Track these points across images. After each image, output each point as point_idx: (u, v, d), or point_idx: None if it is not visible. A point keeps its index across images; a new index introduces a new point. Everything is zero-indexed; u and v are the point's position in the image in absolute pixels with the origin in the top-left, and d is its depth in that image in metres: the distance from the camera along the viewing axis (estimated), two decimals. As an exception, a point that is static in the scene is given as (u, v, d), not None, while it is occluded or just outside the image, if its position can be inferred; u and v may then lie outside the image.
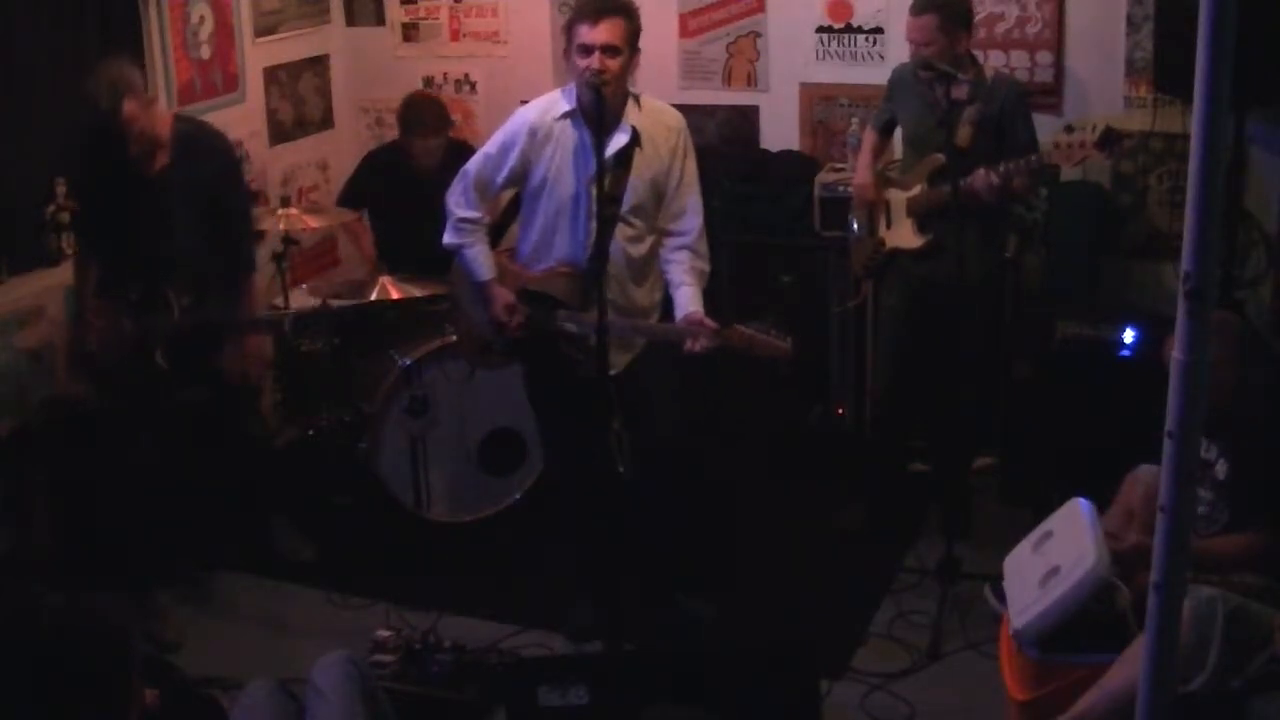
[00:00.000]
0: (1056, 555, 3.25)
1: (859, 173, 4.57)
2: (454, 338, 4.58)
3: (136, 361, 4.13)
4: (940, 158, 4.16)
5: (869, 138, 4.60)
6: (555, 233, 3.78)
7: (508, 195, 4.07)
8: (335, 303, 4.59)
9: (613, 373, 3.75)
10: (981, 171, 4.05)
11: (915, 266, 4.39)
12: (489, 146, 3.85)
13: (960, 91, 4.15)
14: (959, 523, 4.27)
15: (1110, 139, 3.99)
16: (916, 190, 4.33)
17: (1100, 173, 4.91)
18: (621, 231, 3.74)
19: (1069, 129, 4.04)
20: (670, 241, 3.84)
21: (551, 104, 3.75)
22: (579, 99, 3.68)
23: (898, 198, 4.41)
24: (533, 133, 3.72)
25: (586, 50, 3.55)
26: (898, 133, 4.55)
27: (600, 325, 3.39)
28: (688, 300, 3.75)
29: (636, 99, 3.72)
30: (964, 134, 4.16)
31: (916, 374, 4.48)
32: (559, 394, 3.92)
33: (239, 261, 4.32)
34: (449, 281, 4.21)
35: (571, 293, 3.77)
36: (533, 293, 3.84)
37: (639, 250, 3.80)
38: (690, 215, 3.84)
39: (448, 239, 3.91)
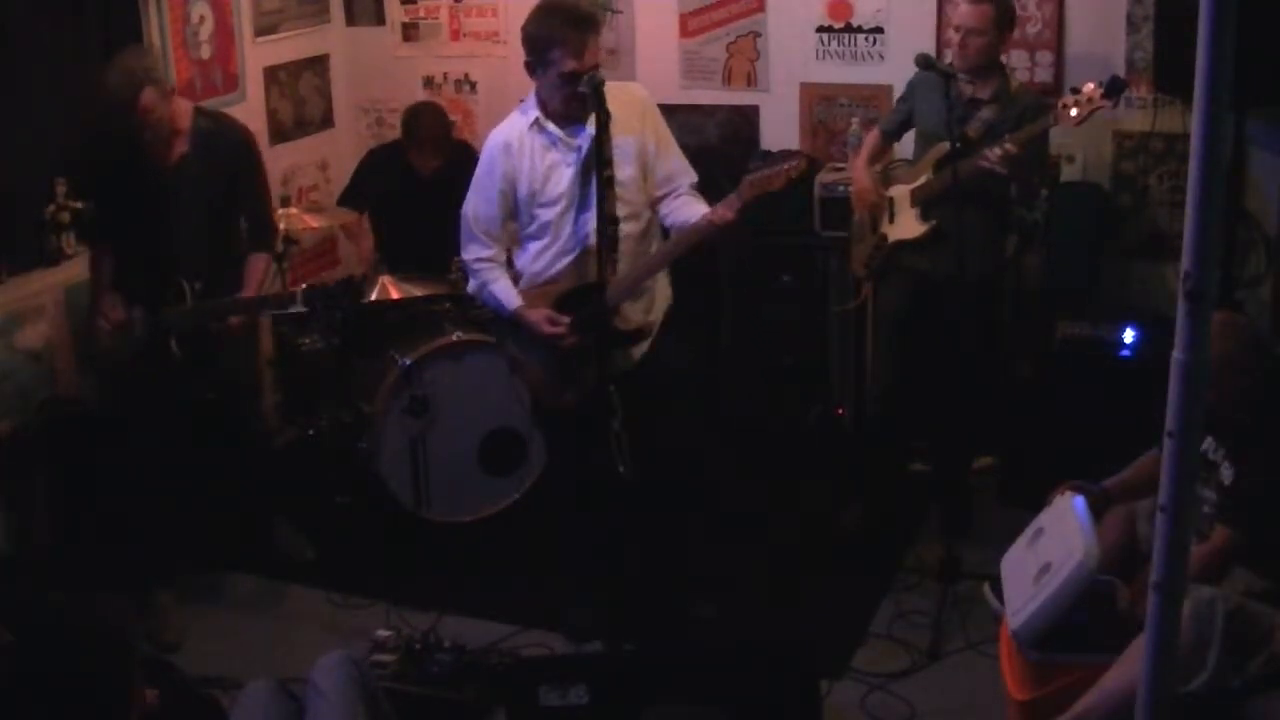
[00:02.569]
0: (1048, 552, 3.23)
1: (857, 175, 4.56)
2: (454, 338, 4.59)
3: (151, 351, 4.14)
4: (945, 145, 4.15)
5: (871, 138, 4.59)
6: (559, 234, 3.76)
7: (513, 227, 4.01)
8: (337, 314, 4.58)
9: (636, 328, 3.78)
10: (993, 147, 4.02)
11: (916, 261, 4.38)
12: (475, 182, 3.83)
13: (984, 91, 4.19)
14: (959, 522, 4.27)
15: (1117, 86, 3.97)
16: (923, 179, 4.32)
17: (1100, 173, 4.91)
18: (619, 210, 3.73)
19: (1074, 90, 4.04)
20: (669, 198, 3.85)
21: (515, 122, 3.76)
22: (546, 104, 3.68)
23: (901, 191, 4.40)
24: (507, 148, 3.72)
25: (574, 78, 3.56)
26: (906, 137, 4.55)
27: (600, 291, 3.41)
28: (703, 208, 3.73)
29: None
30: (975, 128, 4.17)
31: (917, 375, 4.48)
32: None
33: (257, 242, 4.28)
34: (497, 345, 4.18)
35: (591, 275, 3.69)
36: (569, 293, 3.79)
37: (635, 228, 3.77)
38: (683, 174, 3.87)
39: (470, 287, 3.92)
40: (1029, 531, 3.43)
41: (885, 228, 4.46)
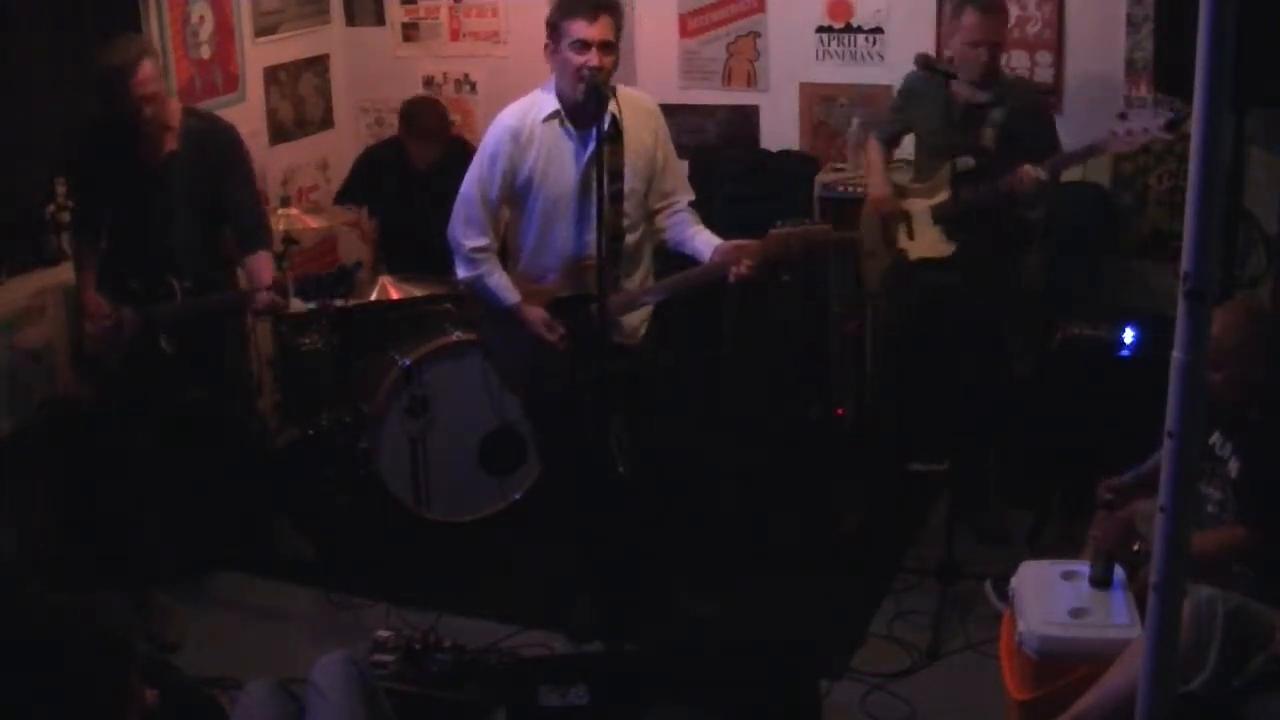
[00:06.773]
0: (1091, 601, 3.25)
1: (875, 186, 4.47)
2: (454, 338, 4.59)
3: (141, 349, 4.13)
4: (969, 160, 4.09)
5: (875, 149, 4.52)
6: (552, 233, 3.76)
7: (506, 215, 4.01)
8: (336, 303, 4.57)
9: (631, 343, 3.79)
10: (1026, 168, 3.97)
11: (933, 277, 4.32)
12: (477, 163, 3.80)
13: (983, 94, 4.13)
14: (978, 523, 4.27)
15: (1179, 120, 3.91)
16: (942, 196, 4.26)
17: (1100, 173, 4.91)
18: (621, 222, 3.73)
19: (1123, 116, 3.99)
20: (664, 214, 3.87)
21: (531, 105, 3.73)
22: (562, 95, 3.67)
23: (919, 206, 4.34)
24: (515, 136, 3.70)
25: (583, 46, 3.55)
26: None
27: (602, 305, 3.41)
28: (708, 239, 3.78)
29: (613, 90, 3.71)
30: (988, 135, 4.13)
31: (923, 381, 4.45)
32: (559, 395, 3.90)
33: (255, 241, 4.21)
34: (476, 334, 4.17)
35: (589, 284, 3.69)
36: (568, 298, 3.78)
37: (633, 239, 3.79)
38: (682, 191, 3.89)
39: (462, 274, 3.87)
40: (1067, 565, 3.42)
41: (904, 243, 4.40)
